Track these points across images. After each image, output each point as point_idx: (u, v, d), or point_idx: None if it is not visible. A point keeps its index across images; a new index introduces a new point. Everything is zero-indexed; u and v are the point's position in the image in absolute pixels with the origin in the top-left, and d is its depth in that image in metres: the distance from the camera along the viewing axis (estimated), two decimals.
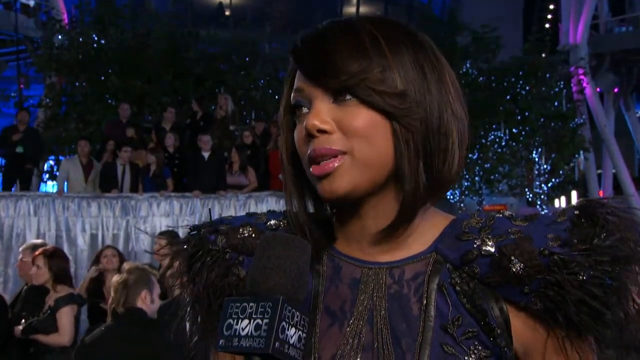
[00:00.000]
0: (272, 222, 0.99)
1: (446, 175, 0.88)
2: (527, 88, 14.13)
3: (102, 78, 12.46)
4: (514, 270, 0.82)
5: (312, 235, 0.92)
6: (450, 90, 0.88)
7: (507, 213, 0.91)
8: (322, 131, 0.84)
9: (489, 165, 13.80)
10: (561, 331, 0.83)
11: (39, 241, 5.37)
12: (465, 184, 13.84)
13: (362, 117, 0.84)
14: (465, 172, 13.69)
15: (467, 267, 0.86)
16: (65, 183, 8.75)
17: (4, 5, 15.98)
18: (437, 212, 0.95)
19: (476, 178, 13.82)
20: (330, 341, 0.89)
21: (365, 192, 0.86)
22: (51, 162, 12.65)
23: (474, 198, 14.19)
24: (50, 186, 12.40)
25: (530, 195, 15.15)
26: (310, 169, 0.86)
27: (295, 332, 0.74)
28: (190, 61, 12.95)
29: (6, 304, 4.65)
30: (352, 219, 0.92)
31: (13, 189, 9.18)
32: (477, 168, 13.74)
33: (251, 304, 0.74)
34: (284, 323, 0.73)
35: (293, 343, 0.74)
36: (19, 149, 8.94)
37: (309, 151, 0.86)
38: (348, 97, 0.84)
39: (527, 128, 14.03)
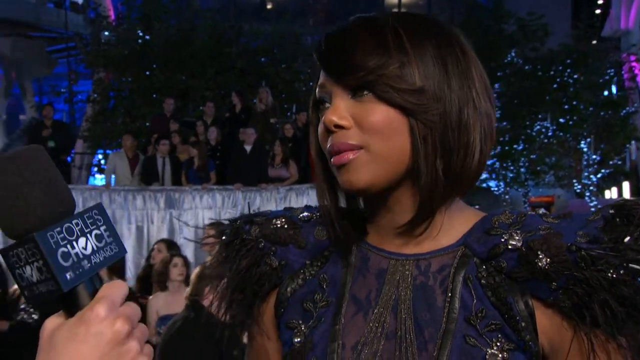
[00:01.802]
0: (305, 214, 1.01)
1: (467, 171, 0.87)
2: (575, 76, 13.75)
3: (147, 73, 12.73)
4: (540, 265, 0.82)
5: (342, 228, 0.94)
6: (474, 85, 0.88)
7: (541, 211, 0.91)
8: (340, 127, 0.86)
9: (535, 156, 13.50)
10: (588, 331, 0.82)
11: None
12: (510, 175, 13.59)
13: (379, 113, 0.85)
14: (509, 164, 13.43)
15: (494, 261, 0.87)
16: (113, 176, 9.00)
17: (55, 3, 16.42)
18: (466, 207, 0.96)
19: (521, 169, 13.55)
20: (354, 328, 0.91)
21: (385, 186, 0.88)
22: (100, 156, 13.00)
23: (520, 190, 13.92)
24: (99, 179, 12.74)
25: (579, 187, 14.77)
26: (331, 161, 0.89)
27: (85, 241, 0.68)
28: (232, 55, 13.08)
29: None
30: (381, 212, 0.93)
31: None
32: (523, 159, 13.47)
33: (21, 250, 0.65)
34: (63, 249, 0.65)
35: (89, 252, 0.68)
36: (51, 144, 9.22)
37: (328, 146, 0.88)
38: (366, 93, 0.85)
39: (575, 117, 13.66)
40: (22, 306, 4.47)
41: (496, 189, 13.83)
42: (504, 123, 13.16)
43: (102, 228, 0.70)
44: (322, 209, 0.96)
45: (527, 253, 0.83)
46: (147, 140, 9.57)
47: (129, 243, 7.90)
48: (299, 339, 0.94)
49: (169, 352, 3.54)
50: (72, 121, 15.28)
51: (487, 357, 0.83)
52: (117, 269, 4.69)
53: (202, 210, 8.15)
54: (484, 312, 0.85)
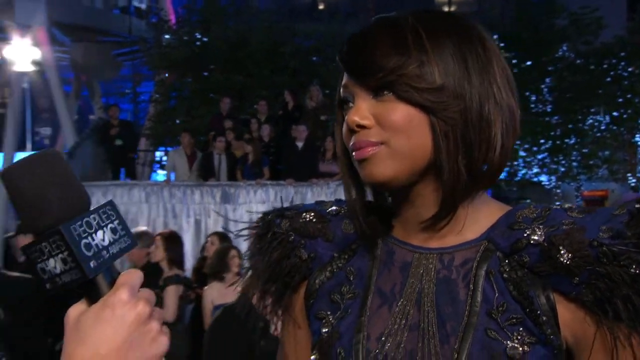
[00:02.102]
0: (334, 208, 1.02)
1: (489, 165, 0.87)
2: (630, 69, 13.19)
3: (206, 74, 12.96)
4: (562, 260, 0.82)
5: (367, 222, 0.95)
6: (496, 79, 0.87)
7: (566, 205, 0.89)
8: (362, 126, 0.87)
9: (587, 150, 13.05)
10: (611, 325, 0.81)
11: (143, 228, 5.70)
12: (562, 169, 13.18)
13: (399, 112, 0.85)
14: (561, 158, 13.03)
15: (517, 255, 0.86)
16: (173, 173, 9.25)
17: (120, 9, 16.88)
18: (492, 201, 0.95)
19: (573, 164, 13.12)
20: (379, 320, 0.91)
21: (406, 181, 0.88)
22: (161, 153, 13.35)
23: (572, 184, 13.48)
24: (161, 175, 13.10)
25: (634, 181, 14.18)
26: (353, 156, 0.90)
27: (103, 234, 0.71)
28: (286, 55, 13.16)
29: None
30: (405, 206, 0.93)
31: (121, 178, 9.84)
32: (575, 153, 13.04)
33: (44, 245, 0.68)
34: (85, 240, 0.69)
35: (107, 244, 0.71)
36: (118, 142, 9.58)
37: (351, 143, 0.89)
38: (386, 92, 0.86)
39: (629, 110, 13.11)
40: None
41: (547, 183, 13.43)
42: (556, 117, 12.77)
43: (115, 222, 0.73)
44: (348, 203, 0.97)
45: (549, 248, 0.83)
46: (205, 138, 9.77)
47: (187, 236, 8.09)
48: (326, 330, 0.95)
49: (210, 340, 3.62)
50: (136, 120, 15.74)
51: (507, 350, 0.83)
52: (177, 261, 4.78)
53: (256, 204, 8.27)
54: (505, 306, 0.85)
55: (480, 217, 0.92)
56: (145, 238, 4.96)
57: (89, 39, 15.95)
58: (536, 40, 12.52)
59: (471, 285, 0.88)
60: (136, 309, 0.68)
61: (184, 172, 9.03)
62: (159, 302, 4.50)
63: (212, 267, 4.76)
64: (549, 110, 13.05)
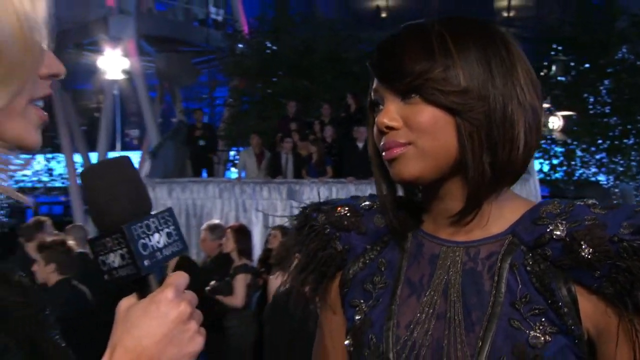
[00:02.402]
0: (367, 203, 1.03)
1: (513, 163, 0.87)
2: None
3: (275, 80, 13.18)
4: (583, 255, 0.81)
5: (397, 217, 0.96)
6: (519, 81, 0.87)
7: (590, 202, 0.87)
8: (390, 127, 0.88)
9: None
10: (632, 317, 0.80)
11: (216, 221, 5.84)
12: (620, 169, 12.60)
13: (426, 114, 0.85)
14: (619, 158, 12.46)
15: (540, 249, 0.86)
16: (243, 171, 9.50)
17: (199, 22, 17.30)
18: (517, 197, 0.94)
19: (632, 163, 12.51)
20: (408, 309, 0.92)
21: (433, 179, 0.89)
22: (234, 153, 13.69)
23: (631, 183, 12.86)
24: (234, 173, 13.43)
25: None
26: (383, 156, 0.91)
27: (159, 237, 0.73)
28: (349, 61, 13.20)
29: (198, 267, 5.17)
30: (435, 202, 0.93)
31: (203, 175, 10.19)
32: (634, 153, 12.43)
33: (107, 241, 0.71)
34: (142, 241, 0.71)
35: (161, 246, 0.73)
36: (202, 142, 9.92)
37: (381, 144, 0.90)
38: (414, 95, 0.86)
39: None
40: None
41: (605, 182, 12.88)
42: (614, 118, 12.23)
43: (171, 227, 0.75)
44: (379, 199, 0.98)
45: (571, 243, 0.82)
46: (273, 139, 10.00)
47: (256, 229, 8.25)
48: (359, 317, 0.96)
49: (266, 320, 3.70)
50: (212, 123, 16.17)
51: (529, 339, 0.83)
52: (246, 251, 4.87)
53: (320, 200, 8.32)
54: (528, 297, 0.85)
55: (505, 212, 0.91)
56: (217, 230, 5.08)
57: (171, 49, 16.43)
58: (595, 43, 12.01)
59: (496, 277, 0.87)
60: (179, 308, 0.70)
61: (253, 170, 9.25)
62: (229, 290, 4.69)
63: (278, 258, 4.87)
64: (607, 111, 12.51)
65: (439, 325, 0.89)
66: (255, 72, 13.59)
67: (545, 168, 13.48)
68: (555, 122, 9.48)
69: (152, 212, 0.74)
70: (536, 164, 11.98)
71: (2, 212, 16.46)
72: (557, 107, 10.05)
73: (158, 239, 0.73)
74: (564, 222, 0.85)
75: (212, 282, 4.72)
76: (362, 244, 1.01)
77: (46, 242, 3.83)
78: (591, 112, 12.35)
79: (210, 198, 8.69)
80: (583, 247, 0.81)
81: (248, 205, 8.61)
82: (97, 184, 0.71)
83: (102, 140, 15.38)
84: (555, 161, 13.39)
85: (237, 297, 4.63)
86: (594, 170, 12.88)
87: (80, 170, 14.36)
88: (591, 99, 12.45)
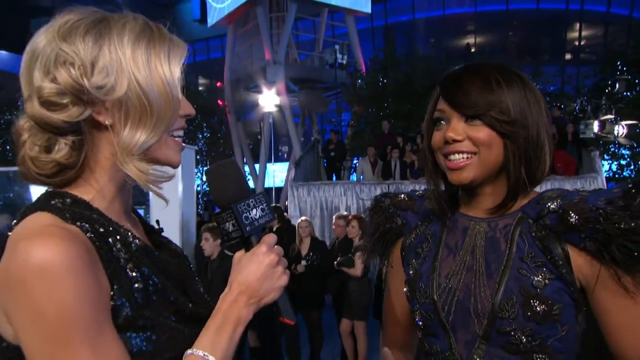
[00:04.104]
0: (420, 192, 1.06)
1: (540, 173, 0.91)
2: None
3: (385, 105, 13.12)
4: (572, 221, 0.83)
5: (440, 202, 0.98)
6: (543, 114, 0.90)
7: (580, 189, 0.90)
8: (456, 140, 0.90)
9: None
10: (610, 266, 0.82)
11: (345, 213, 5.92)
12: None
13: (485, 133, 0.88)
14: None
15: (541, 220, 0.88)
16: (362, 175, 9.55)
17: (330, 65, 17.63)
18: (534, 191, 0.95)
19: None
20: (446, 265, 0.95)
21: (482, 181, 0.92)
22: (355, 161, 13.81)
23: None
24: (354, 177, 13.55)
25: None
26: (446, 163, 0.92)
27: (255, 211, 0.79)
28: None
29: (327, 246, 5.28)
30: (473, 194, 0.96)
31: (333, 179, 10.42)
32: None
33: (224, 215, 0.77)
34: (245, 214, 0.77)
35: (257, 217, 0.79)
36: (332, 154, 10.13)
37: (444, 150, 0.92)
38: (476, 119, 0.89)
39: None
40: None
41: None
42: None
43: (264, 204, 0.81)
44: (429, 190, 1.00)
45: (563, 213, 0.85)
46: (383, 150, 9.93)
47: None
48: (412, 271, 0.99)
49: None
50: (341, 139, 16.42)
51: (533, 282, 0.86)
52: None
53: None
54: (533, 254, 0.87)
55: (522, 200, 0.93)
56: (344, 219, 5.11)
57: (309, 87, 17.00)
58: None
59: (509, 241, 0.90)
60: (270, 257, 0.77)
61: (369, 174, 9.27)
62: (352, 264, 4.73)
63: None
64: None
65: (468, 275, 0.91)
66: (370, 100, 13.63)
67: (614, 167, 12.64)
68: (620, 130, 8.52)
69: (254, 193, 0.80)
70: (605, 165, 10.89)
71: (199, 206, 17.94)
72: (621, 117, 8.95)
73: (255, 213, 0.79)
74: (559, 200, 0.87)
75: (339, 258, 4.80)
76: (415, 220, 1.04)
77: (213, 225, 4.17)
78: None
79: (337, 196, 8.78)
80: (572, 215, 0.83)
81: (364, 202, 8.56)
82: (215, 178, 0.79)
83: (263, 154, 16.27)
84: (623, 162, 12.49)
85: (357, 269, 4.67)
86: None
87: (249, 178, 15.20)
88: None
